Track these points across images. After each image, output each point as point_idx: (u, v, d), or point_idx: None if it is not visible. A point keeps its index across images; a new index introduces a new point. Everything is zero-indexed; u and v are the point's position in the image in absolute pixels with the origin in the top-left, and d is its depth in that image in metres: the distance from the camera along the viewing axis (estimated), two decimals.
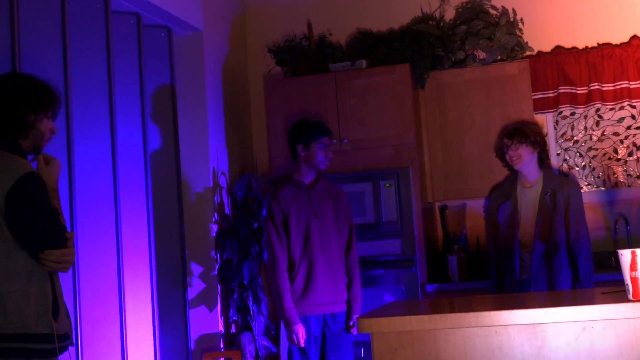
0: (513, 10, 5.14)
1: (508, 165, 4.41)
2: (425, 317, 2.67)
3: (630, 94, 4.93)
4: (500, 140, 4.46)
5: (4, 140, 2.57)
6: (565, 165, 5.18)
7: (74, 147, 3.78)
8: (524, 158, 4.29)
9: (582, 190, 4.63)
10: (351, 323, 4.06)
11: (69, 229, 2.93)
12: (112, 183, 4.11)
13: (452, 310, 3.06)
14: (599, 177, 5.12)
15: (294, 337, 3.92)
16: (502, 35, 5.01)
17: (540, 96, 5.05)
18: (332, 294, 4.04)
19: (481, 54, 5.06)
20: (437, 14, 5.26)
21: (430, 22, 5.18)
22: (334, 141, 4.22)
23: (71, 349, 2.84)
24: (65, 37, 3.80)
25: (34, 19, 3.61)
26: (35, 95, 2.61)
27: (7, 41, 3.42)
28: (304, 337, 3.95)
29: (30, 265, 2.50)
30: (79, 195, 3.82)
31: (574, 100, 5.02)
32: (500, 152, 4.43)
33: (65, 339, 2.61)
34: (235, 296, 4.78)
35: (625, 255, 2.62)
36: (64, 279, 2.94)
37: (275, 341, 4.81)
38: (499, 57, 5.04)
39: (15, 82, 2.64)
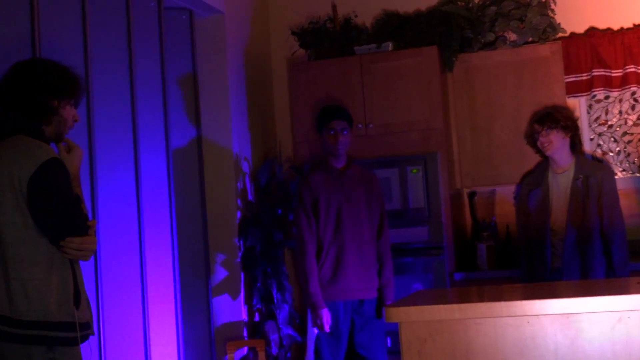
0: None
1: (540, 151, 4.39)
2: (455, 307, 2.67)
3: None
4: (530, 126, 4.45)
5: (27, 126, 2.60)
6: (599, 151, 5.13)
7: (94, 135, 3.79)
8: (555, 144, 4.28)
9: (616, 177, 4.60)
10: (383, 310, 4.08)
11: (90, 217, 2.94)
12: (134, 170, 4.12)
13: (482, 299, 3.06)
14: (634, 162, 5.07)
15: (319, 321, 3.94)
16: (533, 16, 4.96)
17: (573, 79, 4.99)
18: (362, 280, 4.07)
19: (512, 36, 5.01)
20: None
21: (459, 2, 5.14)
22: (343, 123, 4.16)
23: (93, 338, 2.87)
24: (85, 21, 3.80)
25: (54, 2, 3.61)
26: (60, 81, 2.64)
27: (27, 25, 3.43)
28: (329, 322, 3.97)
29: (52, 252, 2.53)
30: (100, 183, 3.85)
31: (608, 83, 4.96)
32: (531, 139, 4.42)
33: (87, 328, 2.64)
34: (258, 284, 4.80)
35: None
36: (85, 268, 3.00)
37: (300, 330, 4.82)
38: (530, 39, 4.99)
39: (39, 67, 2.67)
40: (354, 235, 4.08)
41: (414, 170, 4.79)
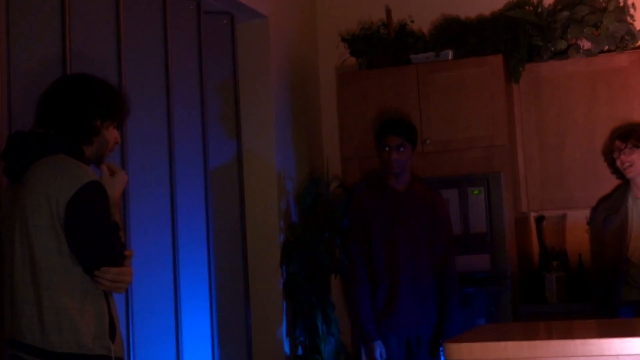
0: None
1: (617, 171, 4.36)
2: (524, 344, 2.64)
3: None
4: (611, 142, 4.39)
5: (67, 145, 2.65)
6: None
7: (128, 150, 3.81)
8: (638, 165, 4.24)
9: None
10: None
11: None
12: (169, 190, 4.15)
13: (552, 336, 3.02)
14: None
15: (371, 355, 3.95)
16: (610, 23, 4.94)
17: None
18: (418, 314, 4.08)
19: (585, 44, 4.99)
20: None
21: (527, 7, 5.13)
22: (399, 139, 4.17)
23: None
24: (120, 29, 3.83)
25: (86, 6, 3.66)
26: (104, 100, 2.70)
27: (58, 28, 3.46)
28: (384, 356, 3.98)
29: (86, 281, 2.57)
30: (133, 203, 3.86)
31: None
32: (610, 156, 4.38)
33: None
34: (302, 315, 4.82)
35: None
36: (117, 296, 2.93)
37: None
38: (606, 48, 4.95)
39: (85, 84, 2.72)
40: (410, 264, 4.08)
41: (476, 192, 4.80)
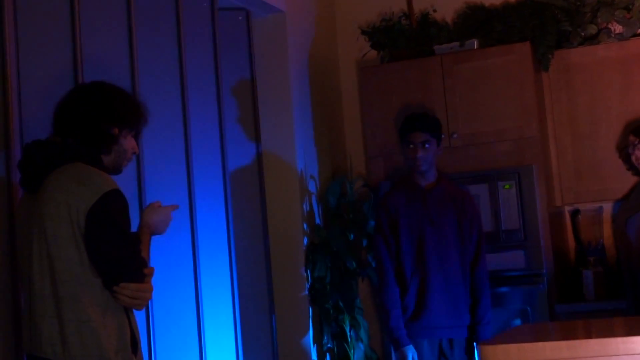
0: None
1: (633, 168, 4.35)
2: (563, 344, 2.63)
3: None
4: (625, 137, 4.38)
5: (87, 153, 2.67)
6: None
7: (144, 156, 3.80)
8: None
9: None
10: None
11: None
12: (187, 195, 4.14)
13: (591, 334, 3.00)
14: None
15: None
16: None
17: None
18: (450, 317, 4.08)
19: (617, 28, 4.97)
20: None
21: None
22: (424, 135, 4.17)
23: None
24: (131, 27, 3.83)
25: (96, 8, 3.66)
26: (123, 108, 2.73)
27: (67, 27, 3.45)
28: None
29: (107, 294, 2.59)
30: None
31: None
32: (625, 152, 4.36)
33: None
34: (329, 320, 4.82)
35: None
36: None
37: None
38: (639, 31, 4.94)
39: (103, 92, 2.75)
40: (440, 264, 4.08)
41: (507, 186, 4.77)
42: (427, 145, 4.11)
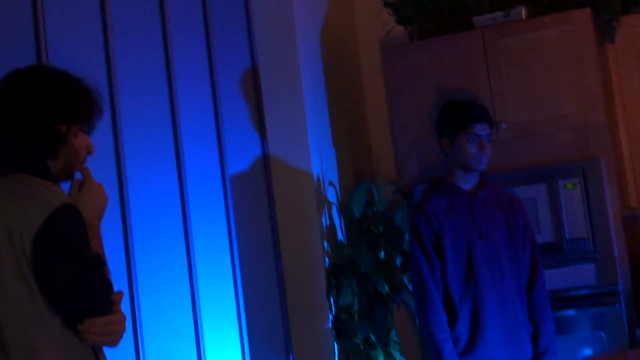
0: None
1: None
2: None
3: None
4: None
5: (28, 160, 2.57)
6: None
7: (126, 161, 3.80)
8: None
9: None
10: None
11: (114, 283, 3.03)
12: (180, 206, 4.15)
13: None
14: None
15: None
16: None
17: None
18: (509, 347, 4.02)
19: None
20: None
21: None
22: (488, 127, 4.11)
23: None
24: (104, 6, 3.83)
25: None
26: (71, 99, 2.63)
27: (29, 16, 3.42)
28: None
29: (69, 336, 2.49)
30: (135, 228, 3.84)
31: None
32: None
33: None
34: (360, 358, 4.71)
35: None
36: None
37: None
38: None
39: (45, 79, 2.65)
40: (494, 284, 4.00)
41: (569, 185, 4.67)
42: (490, 139, 4.12)
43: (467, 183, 4.10)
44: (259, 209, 4.77)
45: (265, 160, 4.81)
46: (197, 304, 4.10)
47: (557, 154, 4.74)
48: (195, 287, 4.12)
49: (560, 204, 4.65)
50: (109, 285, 2.53)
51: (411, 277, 4.09)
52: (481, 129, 4.05)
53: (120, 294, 2.56)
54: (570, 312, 4.61)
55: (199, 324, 4.09)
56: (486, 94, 4.81)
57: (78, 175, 2.75)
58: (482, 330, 3.95)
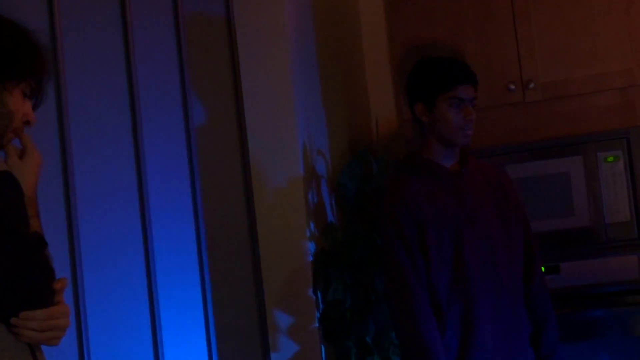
0: None
1: None
2: None
3: None
4: None
5: None
6: None
7: (69, 131, 3.77)
8: None
9: None
10: None
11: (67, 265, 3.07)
12: (136, 185, 4.12)
13: None
14: None
15: None
16: None
17: None
18: (509, 354, 3.95)
19: None
20: None
21: None
22: (472, 89, 3.98)
23: None
24: None
25: None
26: (7, 50, 2.57)
27: None
28: None
29: (1, 331, 2.44)
30: (81, 210, 3.81)
31: None
32: None
33: None
34: None
35: None
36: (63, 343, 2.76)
37: None
38: None
39: None
40: (487, 278, 3.92)
41: (610, 159, 4.66)
42: (473, 105, 4.06)
43: (448, 159, 4.02)
44: (232, 183, 4.65)
45: (239, 124, 4.66)
46: (155, 297, 4.07)
47: (596, 121, 4.72)
48: (153, 276, 4.08)
49: (599, 181, 4.66)
50: (50, 271, 2.47)
51: (387, 278, 4.00)
52: (466, 92, 3.96)
53: (64, 282, 2.50)
54: (601, 313, 4.61)
55: (157, 321, 4.05)
56: (511, 48, 4.79)
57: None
58: (476, 337, 3.88)
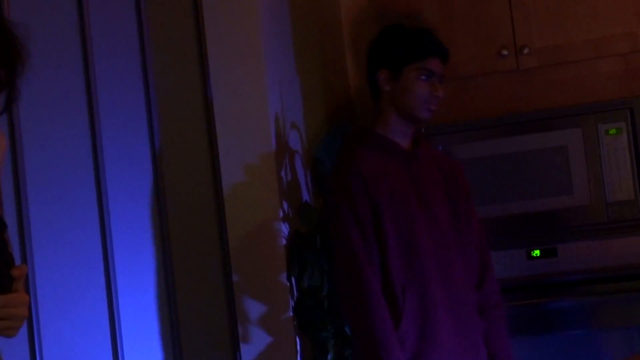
0: None
1: None
2: None
3: None
4: None
5: None
6: None
7: (19, 116, 3.80)
8: None
9: None
10: None
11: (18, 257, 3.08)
12: (92, 165, 4.15)
13: None
14: None
15: None
16: None
17: None
18: (464, 347, 4.01)
19: None
20: None
21: None
22: (441, 64, 4.03)
23: None
24: None
25: None
26: None
27: None
28: None
29: None
30: (32, 195, 3.87)
31: None
32: None
33: None
34: (328, 355, 4.53)
35: None
36: (17, 340, 2.81)
37: None
38: None
39: None
40: (440, 268, 3.97)
41: (612, 131, 4.64)
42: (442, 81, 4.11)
43: (403, 137, 4.04)
44: (198, 158, 4.63)
45: (205, 94, 4.62)
46: (113, 283, 4.12)
47: (597, 90, 4.71)
48: (111, 259, 4.12)
49: (600, 156, 4.63)
50: (9, 257, 2.49)
51: (337, 260, 4.01)
52: (437, 66, 4.00)
53: (23, 268, 2.49)
54: (604, 300, 4.60)
55: (115, 310, 4.10)
56: (503, 10, 4.76)
57: None
58: (434, 329, 3.93)
